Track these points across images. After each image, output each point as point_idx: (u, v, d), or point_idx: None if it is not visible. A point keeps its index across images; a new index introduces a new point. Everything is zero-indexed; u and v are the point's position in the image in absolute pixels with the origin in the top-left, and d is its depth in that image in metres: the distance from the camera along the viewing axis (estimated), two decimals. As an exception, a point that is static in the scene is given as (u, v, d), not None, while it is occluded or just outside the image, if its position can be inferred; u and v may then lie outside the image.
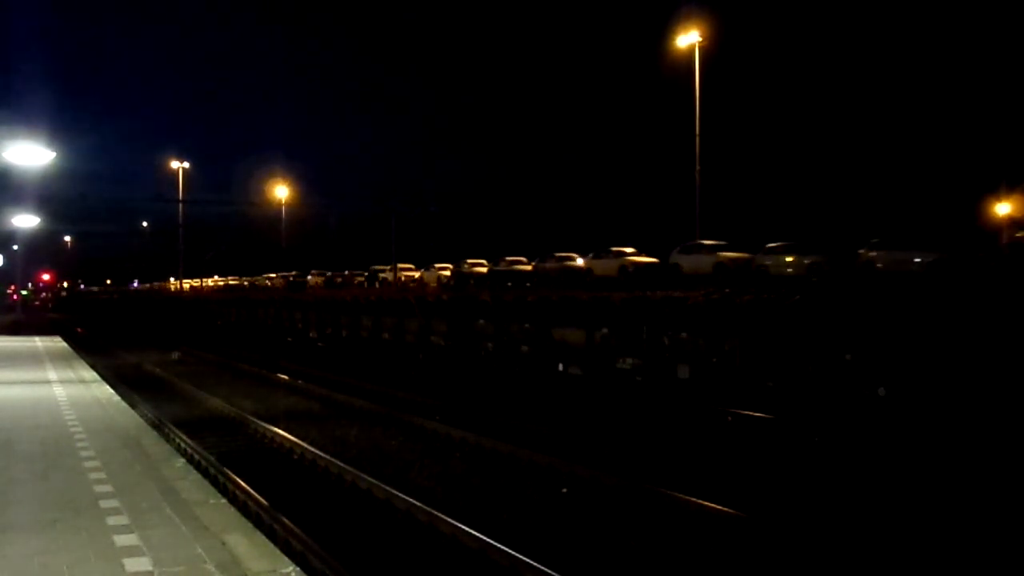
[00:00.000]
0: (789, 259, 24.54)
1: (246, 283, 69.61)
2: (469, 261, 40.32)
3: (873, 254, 21.97)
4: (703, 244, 28.06)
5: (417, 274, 45.07)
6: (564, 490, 12.68)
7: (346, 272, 53.85)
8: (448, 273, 41.87)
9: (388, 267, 47.01)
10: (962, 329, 16.39)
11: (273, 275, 63.08)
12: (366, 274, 50.01)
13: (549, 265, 33.74)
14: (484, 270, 38.28)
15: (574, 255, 32.88)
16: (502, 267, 36.99)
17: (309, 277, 55.73)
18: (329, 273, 55.15)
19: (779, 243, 25.70)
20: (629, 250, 30.44)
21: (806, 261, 23.95)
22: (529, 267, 35.30)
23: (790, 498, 12.07)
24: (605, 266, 30.56)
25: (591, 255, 32.36)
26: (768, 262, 25.06)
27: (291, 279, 57.51)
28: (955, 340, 16.42)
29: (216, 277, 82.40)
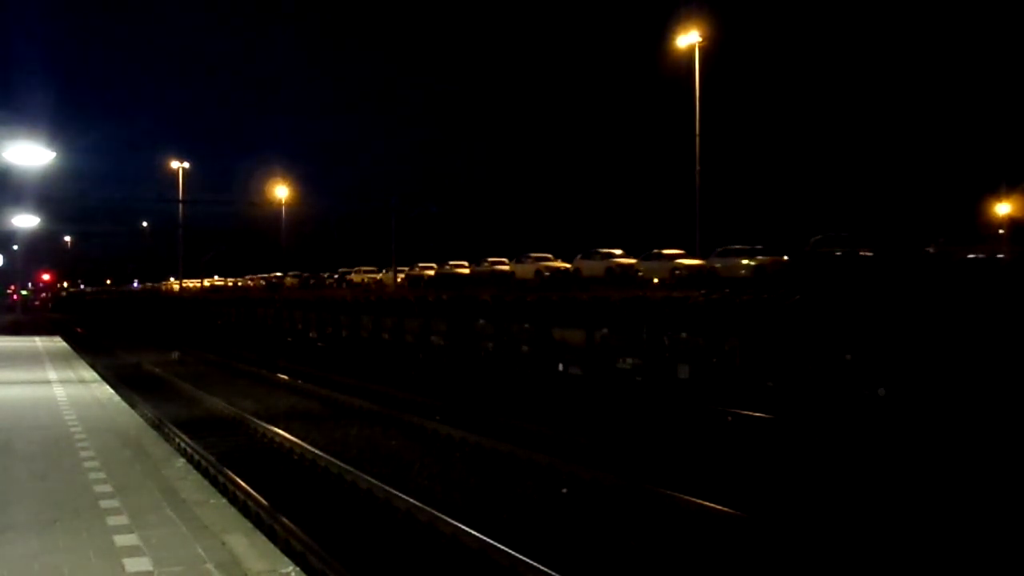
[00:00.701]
0: (744, 261, 25.91)
1: (229, 283, 72.05)
2: (451, 263, 42.87)
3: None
4: (599, 251, 32.06)
5: (379, 275, 49.08)
6: (564, 490, 12.68)
7: (321, 274, 56.70)
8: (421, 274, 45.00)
9: (354, 269, 52.10)
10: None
11: (252, 276, 67.43)
12: (336, 275, 53.34)
13: (482, 268, 38.36)
14: (467, 271, 40.67)
15: (549, 256, 35.22)
16: (446, 269, 42.16)
17: (287, 278, 59.31)
18: (305, 274, 58.49)
19: (729, 246, 27.37)
20: (547, 255, 35.20)
21: (752, 263, 25.20)
22: (467, 270, 39.74)
23: (790, 498, 12.06)
24: (523, 270, 34.96)
25: (514, 260, 36.80)
26: (718, 264, 26.52)
27: (271, 280, 61.58)
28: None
29: (216, 277, 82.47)
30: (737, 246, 27.54)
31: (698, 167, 32.31)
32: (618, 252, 31.62)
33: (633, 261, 30.68)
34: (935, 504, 11.77)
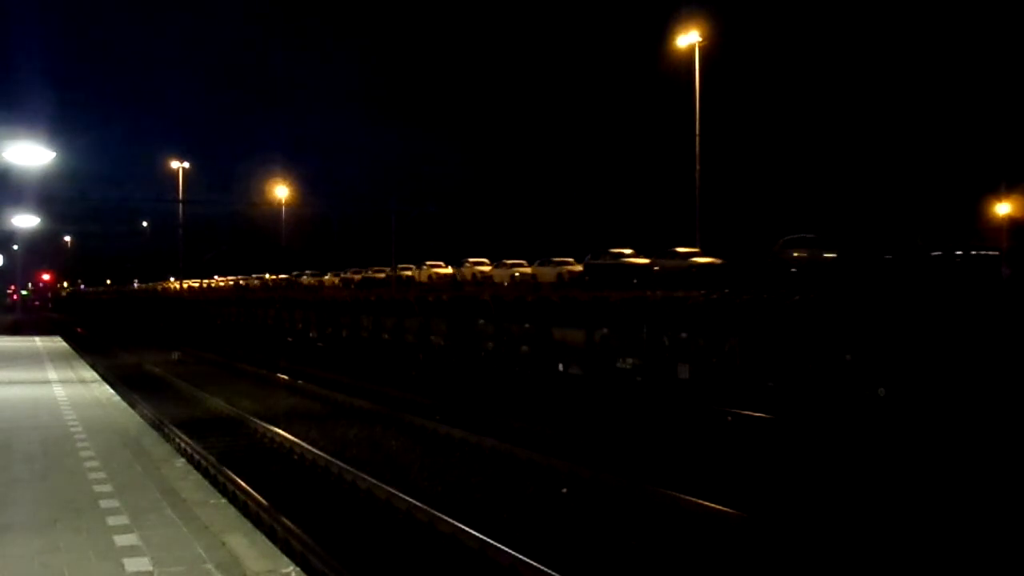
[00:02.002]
0: (696, 261, 27.38)
1: (203, 284, 79.80)
2: (430, 263, 45.76)
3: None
4: (553, 260, 35.17)
5: (325, 278, 55.30)
6: (564, 490, 12.68)
7: (281, 276, 62.96)
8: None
9: (304, 272, 59.72)
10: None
11: (223, 277, 76.91)
12: (294, 274, 60.78)
13: (464, 269, 41.71)
14: (450, 271, 44.04)
15: (523, 262, 37.92)
16: (369, 273, 49.08)
17: (258, 279, 67.10)
18: (270, 277, 65.63)
19: (684, 248, 29.06)
20: (522, 261, 38.14)
21: (702, 261, 26.97)
22: (382, 274, 45.25)
23: (790, 498, 12.07)
24: (500, 274, 38.18)
25: (494, 264, 40.01)
26: (656, 268, 28.23)
27: (237, 282, 69.26)
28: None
29: (216, 277, 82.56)
30: (681, 248, 29.39)
31: (698, 167, 32.32)
32: (570, 260, 34.84)
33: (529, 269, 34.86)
34: (935, 504, 11.78)
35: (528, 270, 36.59)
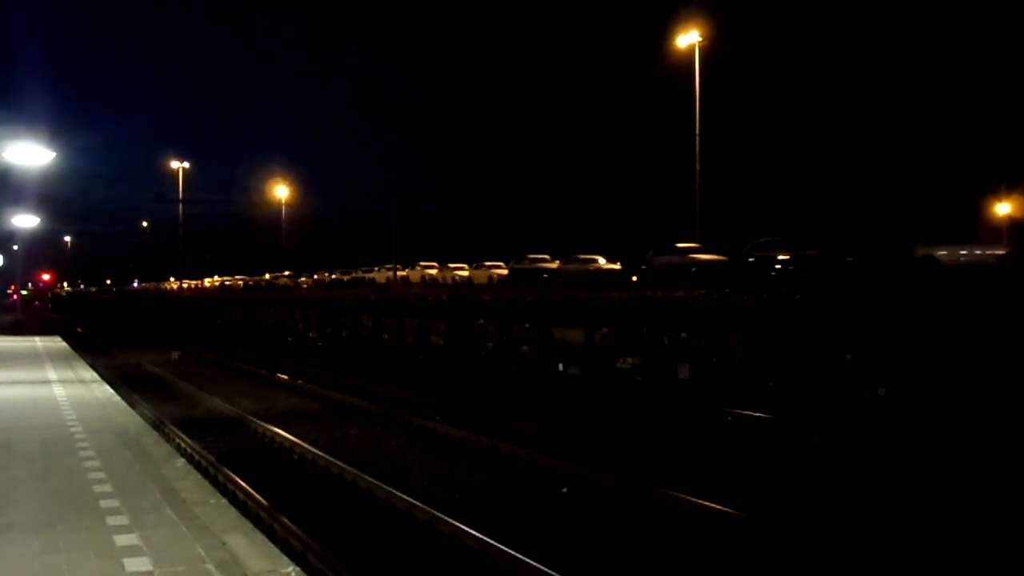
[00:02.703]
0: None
1: (200, 284, 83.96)
2: (422, 263, 47.02)
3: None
4: (528, 257, 36.69)
5: (300, 279, 60.01)
6: (564, 490, 12.68)
7: (273, 275, 66.72)
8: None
9: (276, 274, 64.47)
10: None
11: (211, 279, 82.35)
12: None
13: (446, 271, 44.17)
14: (435, 272, 45.92)
15: (501, 263, 39.54)
16: (358, 273, 52.44)
17: (241, 280, 72.27)
18: (253, 277, 70.32)
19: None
20: (499, 263, 40.06)
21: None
22: (348, 276, 49.16)
23: (790, 498, 12.06)
24: (479, 275, 40.12)
25: (473, 265, 42.30)
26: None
27: (225, 283, 75.17)
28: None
29: (216, 277, 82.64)
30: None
31: (698, 167, 32.32)
32: (547, 257, 36.58)
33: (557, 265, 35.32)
34: (935, 504, 11.78)
35: (504, 271, 39.46)
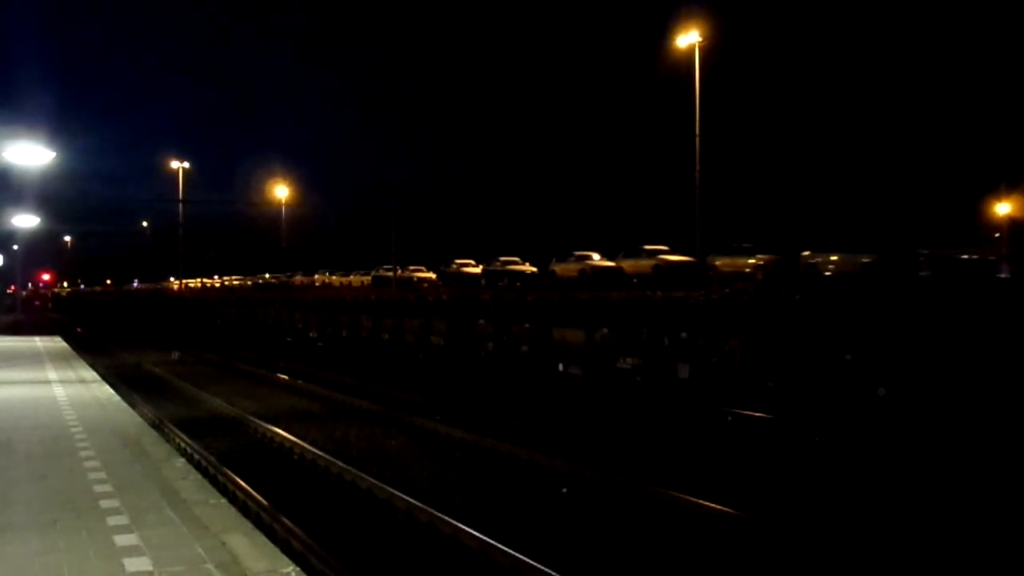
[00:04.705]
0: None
1: (201, 283, 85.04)
2: (412, 267, 47.57)
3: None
4: (499, 259, 37.34)
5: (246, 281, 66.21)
6: (564, 490, 12.67)
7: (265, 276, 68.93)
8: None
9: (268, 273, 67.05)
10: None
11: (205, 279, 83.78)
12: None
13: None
14: (426, 274, 46.84)
15: (517, 259, 38.76)
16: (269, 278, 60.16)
17: (239, 280, 74.15)
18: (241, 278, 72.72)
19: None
20: (470, 261, 41.10)
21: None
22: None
23: (790, 498, 12.06)
24: (466, 276, 40.68)
25: (442, 266, 43.42)
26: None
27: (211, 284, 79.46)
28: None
29: (216, 277, 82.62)
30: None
31: (698, 167, 32.27)
32: (517, 259, 37.44)
33: (535, 268, 36.30)
34: (935, 503, 11.77)
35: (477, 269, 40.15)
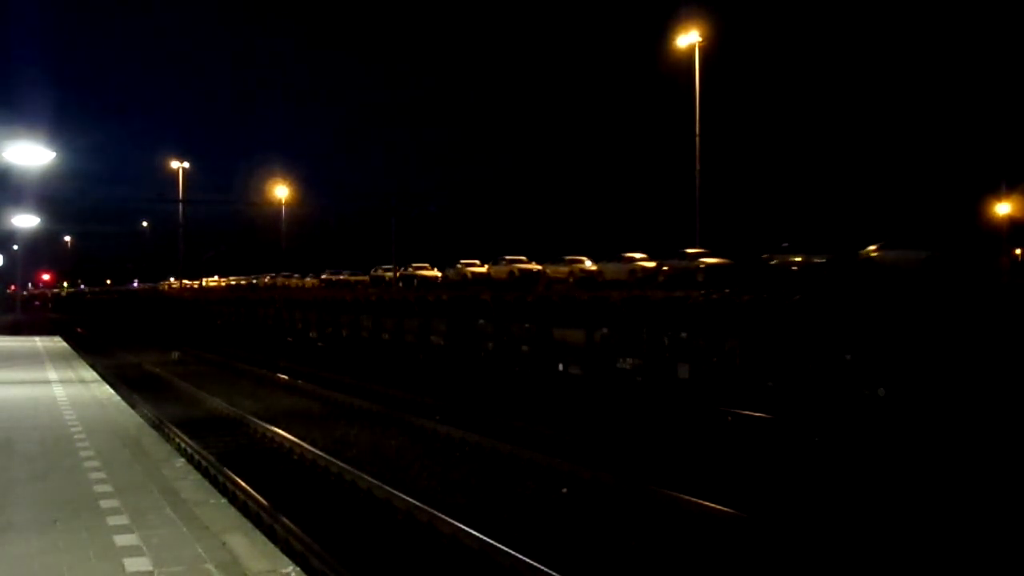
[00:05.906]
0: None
1: (201, 284, 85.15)
2: (415, 264, 47.64)
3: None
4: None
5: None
6: (564, 490, 12.67)
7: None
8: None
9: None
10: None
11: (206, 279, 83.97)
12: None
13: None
14: (431, 272, 46.81)
15: (524, 258, 38.90)
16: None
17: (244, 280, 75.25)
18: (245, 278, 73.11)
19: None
20: (424, 264, 43.96)
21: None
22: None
23: (790, 498, 12.06)
24: (455, 273, 41.41)
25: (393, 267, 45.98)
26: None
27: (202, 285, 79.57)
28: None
29: (217, 277, 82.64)
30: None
31: (698, 167, 32.31)
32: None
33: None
34: (935, 503, 11.77)
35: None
